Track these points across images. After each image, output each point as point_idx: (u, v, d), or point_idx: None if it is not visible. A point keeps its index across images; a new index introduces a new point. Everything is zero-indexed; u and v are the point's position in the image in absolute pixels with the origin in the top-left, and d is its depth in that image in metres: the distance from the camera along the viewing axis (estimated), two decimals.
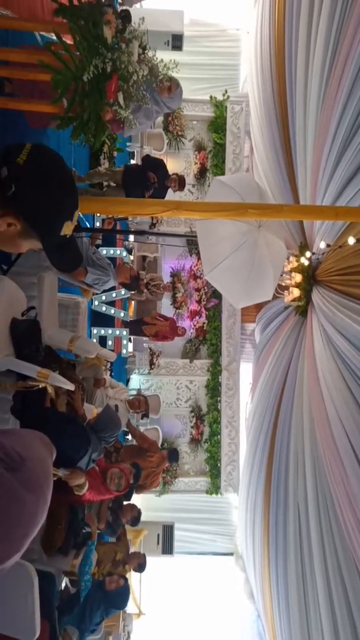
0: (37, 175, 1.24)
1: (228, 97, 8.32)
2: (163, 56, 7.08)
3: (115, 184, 5.10)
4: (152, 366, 7.70)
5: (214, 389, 8.03)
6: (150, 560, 4.96)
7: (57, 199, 1.28)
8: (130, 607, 6.18)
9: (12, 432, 1.23)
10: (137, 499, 5.28)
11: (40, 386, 2.94)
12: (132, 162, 7.18)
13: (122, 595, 3.93)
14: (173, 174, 5.46)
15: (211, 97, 8.39)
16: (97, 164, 6.25)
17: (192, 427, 8.03)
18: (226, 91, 8.37)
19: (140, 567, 4.77)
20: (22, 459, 1.10)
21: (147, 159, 5.41)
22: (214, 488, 7.86)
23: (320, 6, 4.42)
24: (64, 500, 3.27)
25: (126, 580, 4.04)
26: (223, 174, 8.14)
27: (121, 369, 6.96)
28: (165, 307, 8.04)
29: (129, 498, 4.25)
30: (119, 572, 4.39)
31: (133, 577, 5.75)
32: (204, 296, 8.08)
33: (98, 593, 3.80)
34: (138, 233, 6.30)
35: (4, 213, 1.22)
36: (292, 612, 4.95)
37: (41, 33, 3.76)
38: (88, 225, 5.63)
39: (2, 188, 1.19)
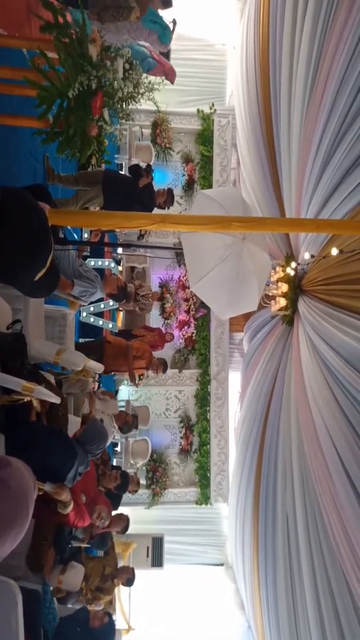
0: (6, 260, 1.29)
1: (215, 110, 8.45)
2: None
3: (87, 188, 5.08)
4: (141, 377, 7.68)
5: (203, 398, 8.03)
6: (139, 573, 4.90)
7: (30, 267, 1.33)
8: (120, 622, 6.10)
9: None
10: (126, 511, 5.25)
11: (25, 400, 2.93)
12: (121, 173, 7.22)
13: (106, 633, 3.78)
14: (161, 189, 5.52)
15: (198, 110, 8.52)
16: None
17: (181, 437, 8.01)
18: (213, 104, 8.50)
19: (129, 582, 4.71)
20: (8, 461, 1.13)
21: (136, 168, 5.46)
22: (204, 498, 7.83)
23: (303, 23, 4.55)
24: (51, 517, 3.24)
25: (110, 616, 3.90)
26: (210, 185, 8.24)
27: (110, 380, 6.93)
28: (154, 317, 8.06)
29: (116, 507, 4.23)
30: (107, 587, 4.34)
31: (122, 591, 5.69)
32: (192, 306, 8.12)
33: (81, 630, 3.66)
34: (125, 246, 6.33)
35: None
36: (281, 622, 4.94)
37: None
38: (75, 237, 5.65)
39: None
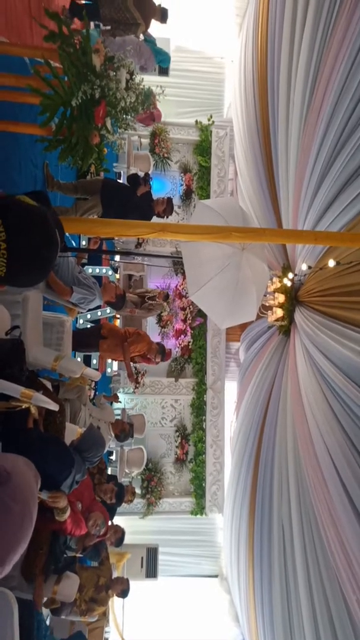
0: (20, 278, 1.33)
1: (213, 122, 8.56)
2: (150, 80, 7.30)
3: (86, 197, 5.13)
4: (137, 385, 7.66)
5: (199, 407, 8.02)
6: (133, 584, 4.84)
7: (43, 277, 1.37)
8: (113, 635, 6.01)
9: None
10: (120, 521, 5.20)
11: (23, 407, 2.91)
12: (119, 181, 7.27)
13: None
14: (160, 198, 5.55)
15: (197, 121, 8.61)
16: None
17: (177, 446, 7.97)
18: (211, 116, 8.60)
19: (124, 593, 4.65)
20: (8, 473, 1.12)
21: (134, 177, 5.50)
22: (199, 509, 7.77)
23: (301, 36, 4.63)
24: (47, 525, 3.20)
25: None
26: (208, 196, 8.30)
27: (106, 388, 6.91)
28: (150, 325, 8.05)
29: (111, 518, 4.19)
30: (101, 597, 4.28)
31: (116, 602, 5.60)
32: (189, 315, 8.13)
33: None
34: (124, 253, 6.35)
35: None
36: (277, 635, 4.88)
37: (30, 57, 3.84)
38: (74, 244, 5.66)
39: None
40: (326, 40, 4.32)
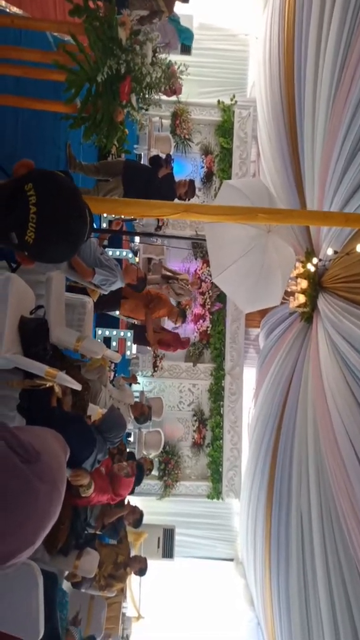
0: (49, 249, 1.30)
1: (236, 101, 8.35)
2: (172, 59, 7.15)
3: (108, 179, 5.08)
4: (156, 368, 7.68)
5: (217, 393, 8.01)
6: (150, 564, 4.92)
7: (72, 253, 1.35)
8: (130, 611, 6.15)
9: (27, 429, 1.23)
10: (138, 502, 5.27)
11: (47, 385, 2.93)
12: (141, 163, 7.20)
13: None
14: (182, 180, 5.47)
15: (219, 101, 8.43)
16: None
17: (194, 431, 8.00)
18: (234, 96, 8.40)
19: (142, 572, 4.74)
20: (37, 452, 1.10)
21: (156, 159, 5.43)
22: (215, 493, 7.82)
23: (331, 12, 4.45)
24: (69, 501, 3.26)
25: None
26: (229, 178, 8.16)
27: (125, 371, 6.94)
28: None
29: (132, 492, 4.25)
30: (120, 574, 4.36)
31: (133, 580, 5.72)
32: (208, 300, 8.07)
33: None
34: (146, 235, 6.30)
35: (19, 257, 1.30)
36: (293, 621, 4.91)
37: (53, 34, 3.78)
38: (95, 226, 5.64)
39: (16, 247, 1.27)
40: (358, 15, 4.14)
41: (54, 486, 1.11)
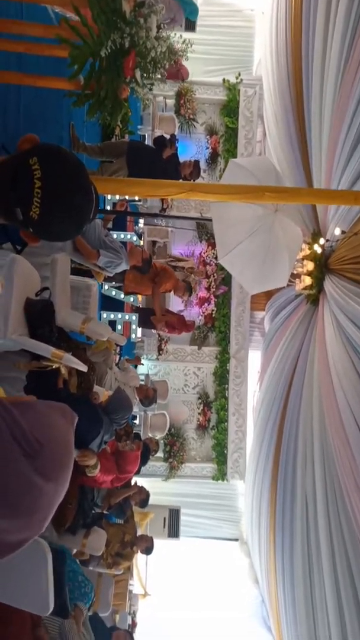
0: (54, 225, 1.26)
1: (241, 80, 8.16)
2: (177, 37, 6.97)
3: (112, 160, 5.01)
4: (161, 352, 7.69)
5: (221, 376, 8.02)
6: (156, 543, 5.00)
7: (77, 230, 1.31)
8: (137, 588, 6.28)
9: (32, 410, 1.21)
10: (144, 483, 5.33)
11: (53, 367, 2.94)
12: (145, 144, 7.09)
13: None
14: (187, 161, 5.38)
15: (224, 79, 8.24)
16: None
17: (199, 413, 8.04)
18: (239, 74, 8.20)
19: (148, 551, 4.82)
20: (40, 444, 1.08)
21: (160, 139, 5.34)
22: (220, 475, 7.90)
23: None
24: (75, 480, 3.29)
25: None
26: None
27: (130, 354, 6.95)
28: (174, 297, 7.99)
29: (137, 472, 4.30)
30: (127, 553, 4.43)
31: (139, 558, 5.83)
32: (213, 283, 8.03)
33: (106, 637, 3.80)
34: (150, 215, 6.22)
35: (24, 234, 1.28)
36: (297, 598, 5.00)
37: (54, 9, 3.69)
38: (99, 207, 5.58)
39: (19, 223, 1.25)
40: None
41: (57, 482, 1.10)
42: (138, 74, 2.78)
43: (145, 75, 2.92)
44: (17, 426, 1.08)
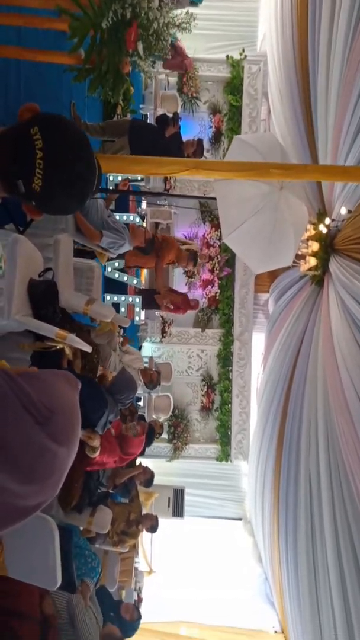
0: (57, 197, 1.23)
1: (245, 56, 7.96)
2: (179, 10, 6.76)
3: (114, 139, 4.92)
4: (164, 334, 7.70)
5: (225, 358, 8.03)
6: (161, 522, 5.07)
7: (80, 202, 1.28)
8: (142, 565, 6.40)
9: (36, 379, 1.21)
10: (149, 463, 5.38)
11: (57, 347, 2.94)
12: (147, 122, 6.97)
13: (132, 626, 3.99)
14: (190, 139, 5.29)
15: (228, 56, 8.04)
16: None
17: (203, 395, 8.08)
18: (243, 50, 8.00)
19: (153, 529, 4.89)
20: (50, 411, 1.09)
21: (163, 117, 5.25)
22: (224, 455, 7.98)
23: None
24: (81, 461, 3.32)
25: (139, 617, 4.09)
26: None
27: (133, 337, 6.96)
28: (177, 276, 7.97)
29: (142, 453, 4.34)
30: (132, 531, 4.50)
31: (145, 536, 5.92)
32: (217, 265, 7.98)
33: (113, 609, 3.88)
34: (154, 194, 6.13)
35: (26, 208, 1.25)
36: (300, 576, 5.08)
37: None
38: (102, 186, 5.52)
39: (22, 196, 1.22)
40: None
41: (69, 446, 1.12)
42: (140, 46, 2.70)
43: (147, 48, 2.84)
44: (26, 395, 1.08)
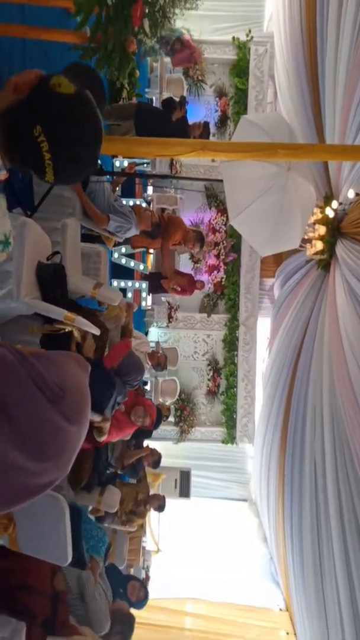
0: (70, 177, 1.24)
1: (251, 37, 7.83)
2: None
3: (119, 123, 4.89)
4: (170, 320, 7.73)
5: (231, 343, 8.06)
6: (168, 502, 5.16)
7: (93, 165, 1.29)
8: (149, 545, 6.53)
9: (47, 359, 1.23)
10: (156, 445, 5.46)
11: (66, 330, 2.97)
12: (153, 106, 6.91)
13: (140, 604, 4.09)
14: (197, 122, 5.24)
15: (234, 38, 7.91)
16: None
17: (208, 379, 8.14)
18: (250, 31, 7.86)
19: (160, 508, 4.98)
20: (62, 390, 1.11)
21: (169, 101, 5.20)
22: (230, 438, 8.06)
23: None
24: (87, 443, 3.37)
25: (146, 594, 4.16)
26: None
27: (140, 322, 6.99)
28: (183, 261, 7.96)
29: (149, 435, 4.40)
30: (140, 511, 4.58)
31: (152, 516, 6.03)
32: (222, 250, 7.95)
33: (122, 585, 3.96)
34: (159, 177, 6.09)
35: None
36: (305, 556, 5.16)
37: None
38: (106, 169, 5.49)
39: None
40: None
41: (80, 425, 1.14)
42: (146, 23, 2.67)
43: (153, 25, 2.81)
44: (38, 374, 1.10)
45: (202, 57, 7.66)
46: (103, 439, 3.23)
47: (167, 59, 7.85)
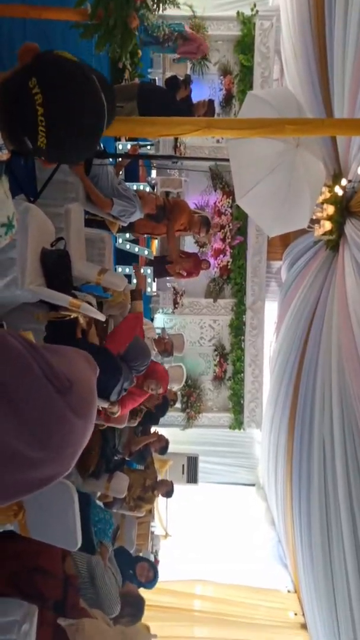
0: (63, 149, 1.17)
1: (257, 12, 7.57)
2: None
3: (122, 104, 4.77)
4: (176, 305, 7.67)
5: (237, 328, 8.00)
6: (176, 488, 5.18)
7: (92, 148, 1.22)
8: (158, 530, 6.59)
9: (56, 351, 1.21)
10: (163, 432, 5.46)
11: (71, 316, 2.93)
12: (157, 85, 6.74)
13: (149, 584, 4.14)
14: (201, 100, 5.10)
15: (238, 12, 7.66)
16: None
17: (215, 365, 8.10)
18: (255, 5, 7.60)
19: (168, 494, 5.01)
20: (69, 382, 1.10)
21: (173, 80, 5.05)
22: (237, 423, 8.06)
23: None
24: (97, 428, 3.37)
25: (156, 574, 4.19)
26: None
27: (145, 308, 6.94)
28: (188, 244, 7.86)
29: (156, 422, 4.39)
30: (148, 497, 4.60)
31: (160, 501, 6.07)
32: (228, 234, 7.84)
33: (132, 567, 4.00)
34: (165, 157, 5.96)
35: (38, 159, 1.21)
36: (314, 537, 5.18)
37: None
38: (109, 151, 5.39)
39: (32, 152, 1.16)
40: None
41: (87, 420, 1.13)
42: None
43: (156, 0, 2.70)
44: (47, 365, 1.09)
45: (208, 48, 7.47)
46: (117, 414, 3.24)
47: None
